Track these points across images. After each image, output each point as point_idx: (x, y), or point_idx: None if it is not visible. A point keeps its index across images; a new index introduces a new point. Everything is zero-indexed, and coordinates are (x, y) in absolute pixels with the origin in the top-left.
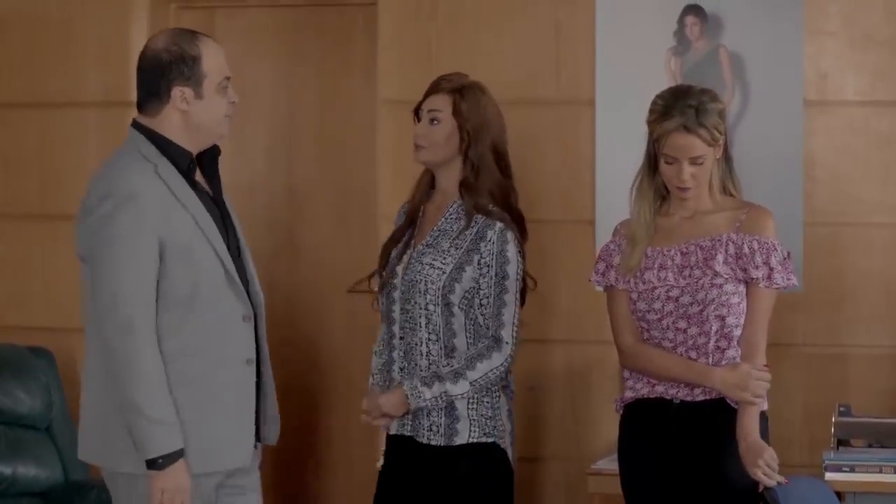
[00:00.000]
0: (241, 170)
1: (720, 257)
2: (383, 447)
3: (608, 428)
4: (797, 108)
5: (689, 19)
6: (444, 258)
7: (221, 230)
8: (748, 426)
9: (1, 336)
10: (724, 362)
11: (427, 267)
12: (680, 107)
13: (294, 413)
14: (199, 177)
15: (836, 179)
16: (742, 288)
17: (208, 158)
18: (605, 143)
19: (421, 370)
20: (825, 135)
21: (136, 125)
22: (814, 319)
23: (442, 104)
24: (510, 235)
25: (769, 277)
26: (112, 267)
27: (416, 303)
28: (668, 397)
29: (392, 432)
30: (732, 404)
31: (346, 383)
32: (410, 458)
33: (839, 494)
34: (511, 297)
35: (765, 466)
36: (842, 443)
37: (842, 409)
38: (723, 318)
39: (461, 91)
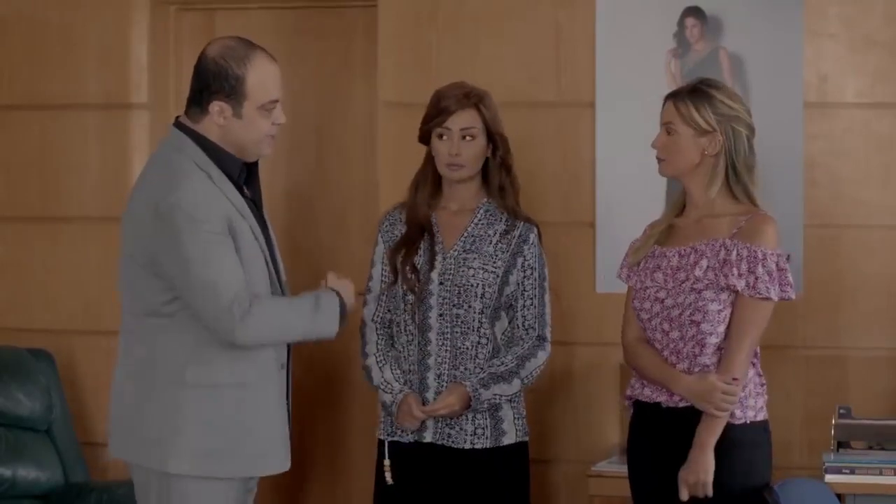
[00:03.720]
0: None
1: (703, 262)
2: (387, 461)
3: (608, 430)
4: (797, 110)
5: (689, 21)
6: (495, 262)
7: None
8: (704, 438)
9: (1, 338)
10: (696, 369)
11: (480, 271)
12: (687, 86)
13: (293, 415)
14: None
15: (836, 182)
16: (724, 296)
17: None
18: (605, 146)
19: (468, 374)
20: (825, 137)
21: (179, 126)
22: (814, 321)
23: (473, 120)
24: (540, 239)
25: (754, 286)
26: (210, 279)
27: (470, 307)
28: (651, 401)
29: (427, 440)
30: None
31: (345, 385)
32: (443, 468)
33: (839, 496)
34: (548, 298)
35: (686, 488)
36: (842, 445)
37: (842, 411)
38: (697, 324)
39: (482, 101)
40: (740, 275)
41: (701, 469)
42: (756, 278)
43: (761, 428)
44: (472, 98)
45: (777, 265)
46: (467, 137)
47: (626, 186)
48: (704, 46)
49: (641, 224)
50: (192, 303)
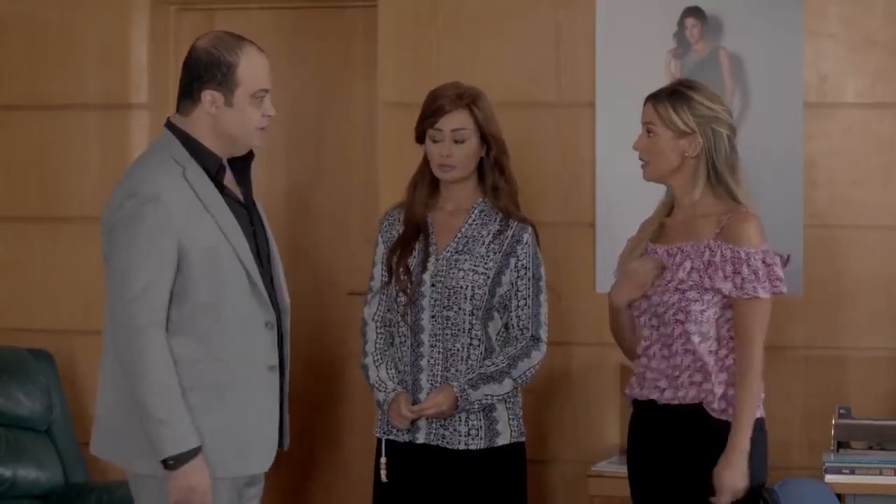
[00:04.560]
0: None
1: (687, 264)
2: (384, 458)
3: (608, 430)
4: (797, 110)
5: (689, 21)
6: (486, 263)
7: (249, 236)
8: (739, 441)
9: (1, 338)
10: (686, 365)
11: (470, 273)
12: (666, 88)
13: (292, 416)
14: (229, 181)
15: (836, 182)
16: (708, 296)
17: (240, 162)
18: (605, 146)
19: (459, 375)
20: (825, 137)
21: (169, 125)
22: (813, 322)
23: (465, 121)
24: (536, 238)
25: (741, 287)
26: (126, 268)
27: (460, 309)
28: (645, 399)
29: (420, 441)
30: (712, 413)
31: (345, 386)
32: (439, 468)
33: (839, 497)
34: (544, 298)
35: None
36: (842, 445)
37: (842, 411)
38: (682, 324)
39: (475, 102)
40: (726, 277)
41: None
42: (742, 279)
43: (757, 426)
44: (465, 98)
45: (764, 261)
46: (458, 139)
47: (626, 186)
48: (704, 46)
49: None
50: (107, 285)
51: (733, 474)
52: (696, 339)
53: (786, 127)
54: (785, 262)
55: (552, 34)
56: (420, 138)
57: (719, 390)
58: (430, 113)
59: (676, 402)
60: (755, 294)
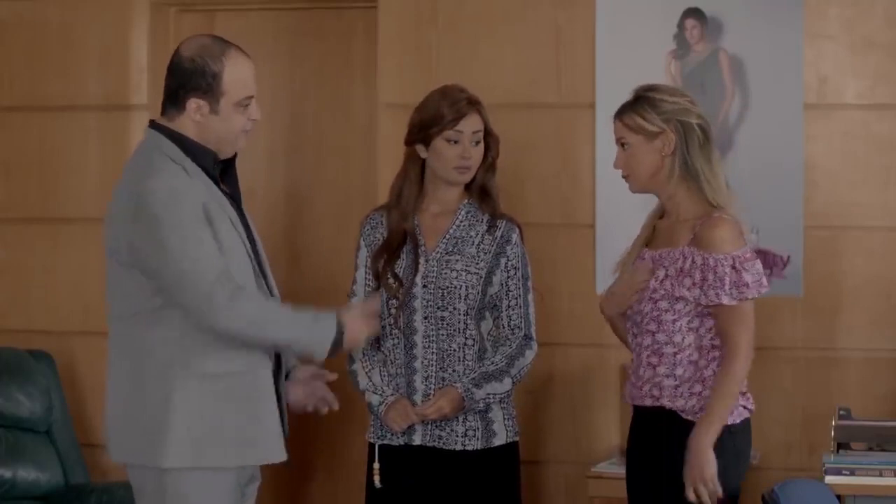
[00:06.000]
0: (240, 173)
1: (661, 272)
2: (377, 464)
3: (608, 431)
4: (797, 111)
5: (689, 22)
6: (478, 263)
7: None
8: (700, 441)
9: (1, 339)
10: (654, 378)
11: (463, 273)
12: (628, 99)
13: (290, 417)
14: None
15: (836, 183)
16: (679, 305)
17: (226, 160)
18: (605, 147)
19: (458, 376)
20: (825, 139)
21: (156, 126)
22: (813, 323)
23: (480, 123)
24: (522, 238)
25: (706, 294)
26: (178, 256)
27: (455, 309)
28: (630, 402)
29: (416, 443)
30: (683, 415)
31: (341, 386)
32: (434, 469)
33: (840, 498)
34: (532, 297)
35: (701, 489)
36: (842, 446)
37: (842, 412)
38: (653, 334)
39: (481, 105)
40: (693, 284)
41: (708, 474)
42: (708, 285)
43: (727, 431)
44: (474, 102)
45: (733, 266)
46: (478, 142)
47: (626, 188)
48: (704, 48)
49: (640, 225)
50: (173, 292)
51: (689, 473)
52: (669, 349)
53: (786, 128)
54: (784, 263)
55: (552, 35)
56: (420, 141)
57: (693, 400)
58: (449, 115)
59: (638, 403)
60: (718, 301)
